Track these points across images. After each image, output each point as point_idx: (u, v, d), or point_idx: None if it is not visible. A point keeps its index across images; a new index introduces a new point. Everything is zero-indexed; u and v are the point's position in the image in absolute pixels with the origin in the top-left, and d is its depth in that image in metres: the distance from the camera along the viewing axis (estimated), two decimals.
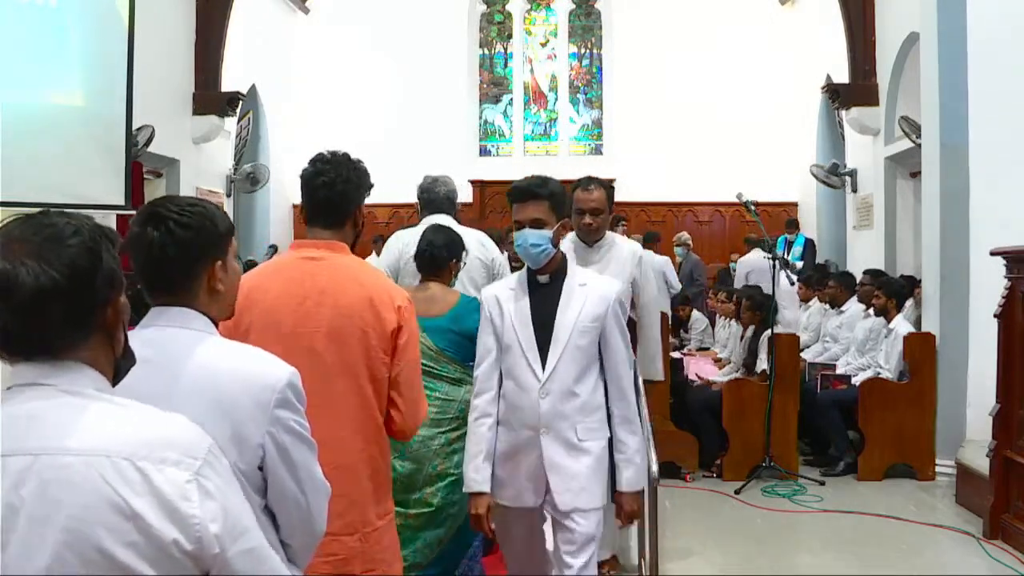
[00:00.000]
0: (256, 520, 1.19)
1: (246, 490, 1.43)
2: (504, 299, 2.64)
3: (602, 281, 2.70)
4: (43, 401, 1.09)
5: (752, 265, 8.80)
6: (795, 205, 11.38)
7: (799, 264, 9.78)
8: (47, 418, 1.07)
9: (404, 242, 3.74)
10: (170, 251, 1.49)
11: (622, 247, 3.66)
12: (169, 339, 1.48)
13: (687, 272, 9.12)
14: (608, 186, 3.63)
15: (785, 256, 9.59)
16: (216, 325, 1.56)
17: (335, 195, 2.13)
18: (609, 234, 3.65)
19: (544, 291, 2.62)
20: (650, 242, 8.93)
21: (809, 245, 10.20)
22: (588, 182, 3.53)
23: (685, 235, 9.47)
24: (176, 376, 1.44)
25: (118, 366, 1.20)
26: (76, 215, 1.15)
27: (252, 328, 1.99)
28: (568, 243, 3.45)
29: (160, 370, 1.43)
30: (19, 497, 1.03)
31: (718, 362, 6.58)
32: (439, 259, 3.17)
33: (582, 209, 3.50)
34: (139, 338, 1.46)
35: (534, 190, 2.63)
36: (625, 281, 3.49)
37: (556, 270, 2.64)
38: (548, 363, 2.54)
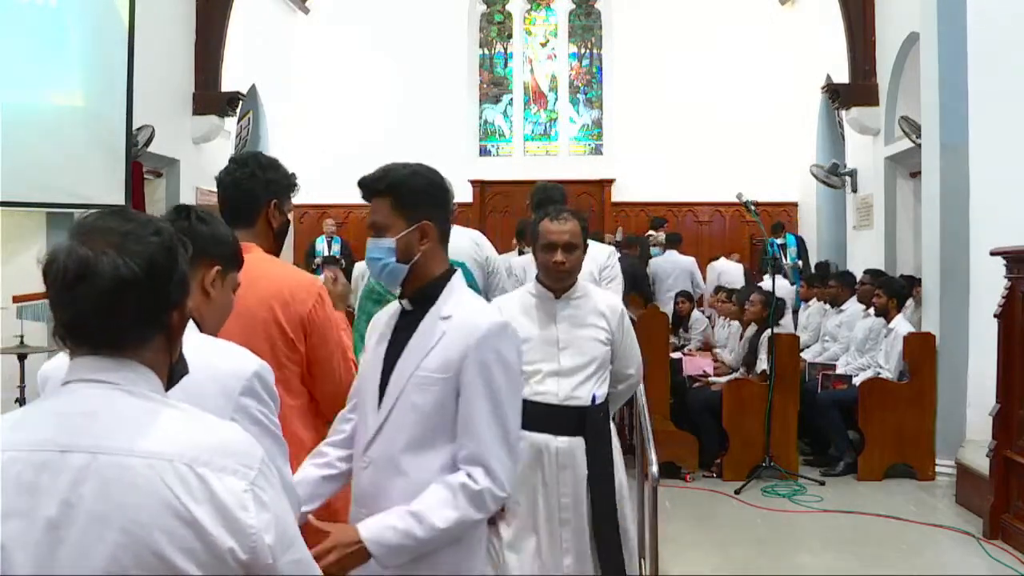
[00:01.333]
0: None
1: None
2: (376, 328, 1.96)
3: (475, 312, 1.83)
4: (103, 399, 1.08)
5: (722, 268, 8.88)
6: (795, 205, 11.38)
7: (799, 263, 9.83)
8: (107, 416, 1.07)
9: None
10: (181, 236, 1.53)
11: (597, 300, 2.73)
12: None
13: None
14: (583, 218, 2.75)
15: (782, 259, 9.72)
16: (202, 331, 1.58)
17: (240, 193, 2.17)
18: (582, 283, 2.75)
19: (405, 322, 1.88)
20: (673, 243, 9.02)
21: (801, 244, 10.22)
22: (560, 211, 2.70)
23: (661, 235, 9.44)
24: None
25: (173, 371, 1.20)
26: (157, 217, 1.18)
27: None
28: (526, 293, 2.77)
29: None
30: (78, 495, 1.02)
31: (717, 361, 6.57)
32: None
33: (552, 243, 2.63)
34: None
35: (369, 184, 1.98)
36: (600, 345, 2.67)
37: (422, 293, 1.87)
38: (372, 423, 1.83)
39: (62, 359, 1.23)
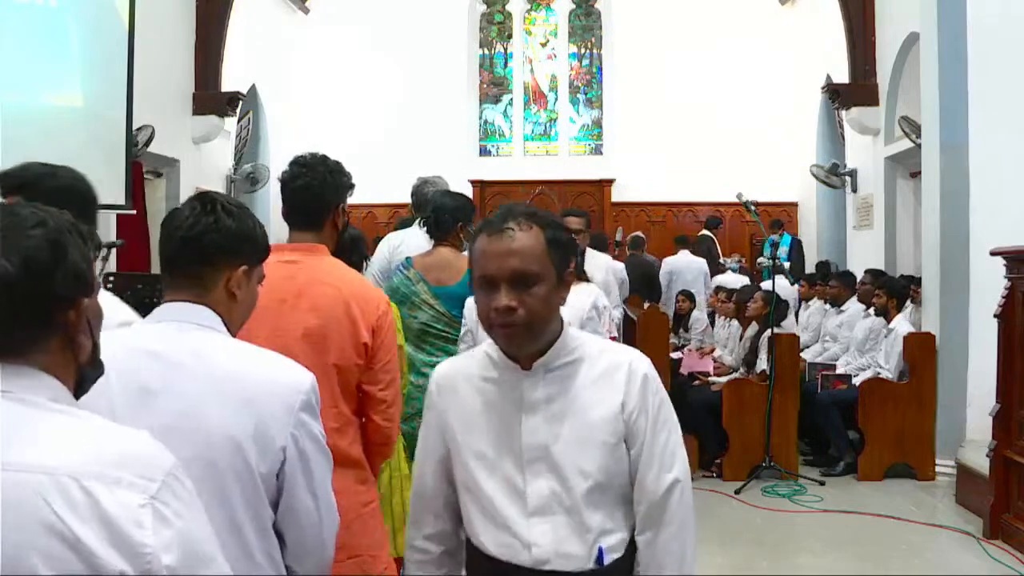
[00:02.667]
0: (257, 539, 1.12)
1: (263, 500, 1.39)
2: None
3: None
4: None
5: (673, 265, 8.81)
6: (795, 205, 11.38)
7: (786, 264, 9.87)
8: None
9: (393, 244, 3.80)
10: (207, 234, 1.48)
11: (603, 363, 1.58)
12: (187, 334, 1.44)
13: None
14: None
15: (774, 258, 9.73)
16: (230, 333, 1.53)
17: (312, 197, 2.15)
18: (574, 335, 1.63)
19: None
20: (683, 243, 9.12)
21: (796, 244, 10.24)
22: (510, 215, 1.56)
23: (639, 235, 9.44)
24: (197, 371, 1.40)
25: (83, 375, 1.09)
26: (48, 208, 1.06)
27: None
28: (484, 357, 1.66)
29: (179, 362, 1.40)
30: None
31: (716, 362, 6.57)
32: (443, 223, 3.21)
33: (489, 278, 1.53)
34: (153, 334, 1.44)
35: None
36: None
37: None
38: None
39: None
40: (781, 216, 10.85)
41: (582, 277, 3.53)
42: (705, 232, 10.23)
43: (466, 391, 1.58)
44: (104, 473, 0.95)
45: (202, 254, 1.48)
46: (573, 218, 4.40)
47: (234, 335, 1.55)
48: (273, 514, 1.43)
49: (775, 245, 10.14)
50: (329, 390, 1.99)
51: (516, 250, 1.48)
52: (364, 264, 3.26)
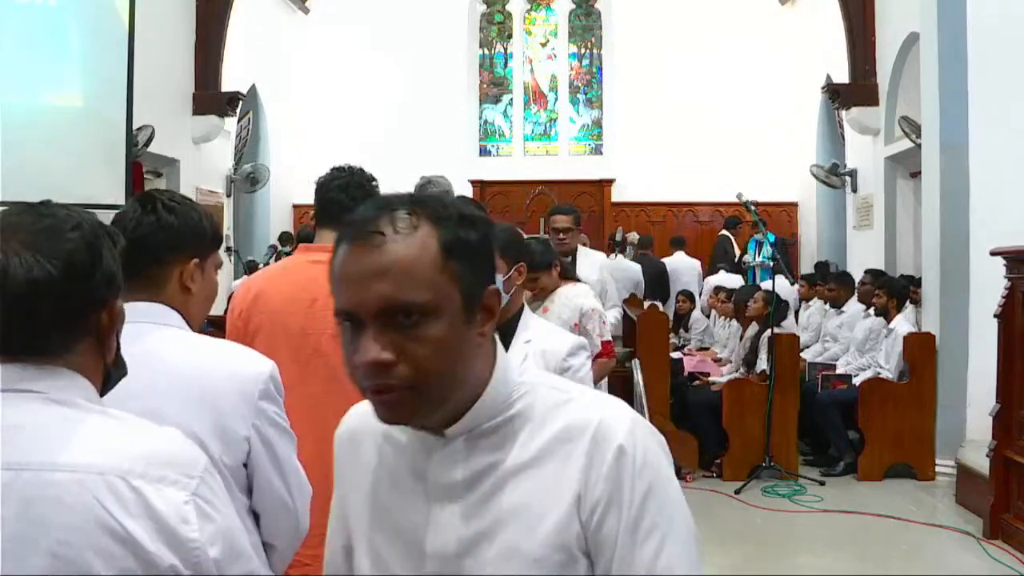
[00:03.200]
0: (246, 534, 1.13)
1: (231, 489, 1.42)
2: None
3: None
4: (27, 410, 0.99)
5: (670, 266, 8.87)
6: (795, 205, 11.38)
7: (769, 263, 9.94)
8: (32, 429, 0.98)
9: None
10: (151, 234, 1.49)
11: (552, 426, 1.01)
12: (144, 334, 1.43)
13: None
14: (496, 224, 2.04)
15: (756, 257, 9.84)
16: (191, 328, 1.55)
17: (348, 198, 2.20)
18: (515, 384, 1.06)
19: None
20: (680, 244, 9.17)
21: (780, 243, 10.28)
22: (374, 218, 0.96)
23: (633, 235, 9.47)
24: (156, 370, 1.40)
25: (108, 375, 1.11)
26: (79, 210, 1.08)
27: (261, 330, 2.06)
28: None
29: (137, 365, 1.38)
30: None
31: (718, 361, 6.58)
32: None
33: (347, 313, 1.03)
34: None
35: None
36: None
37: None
38: None
39: None
40: (781, 216, 10.87)
41: (570, 277, 3.53)
42: (724, 232, 10.24)
43: (369, 456, 1.08)
44: (148, 472, 0.98)
45: (149, 254, 1.49)
46: (561, 216, 4.15)
47: (196, 328, 1.57)
48: (247, 499, 1.47)
49: (759, 244, 10.23)
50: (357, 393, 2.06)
51: (386, 267, 0.92)
52: None
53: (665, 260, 9.09)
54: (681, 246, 9.31)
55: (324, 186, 2.26)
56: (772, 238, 10.30)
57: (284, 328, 2.03)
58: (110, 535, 0.94)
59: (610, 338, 3.44)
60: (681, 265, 8.92)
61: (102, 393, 1.10)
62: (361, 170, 2.33)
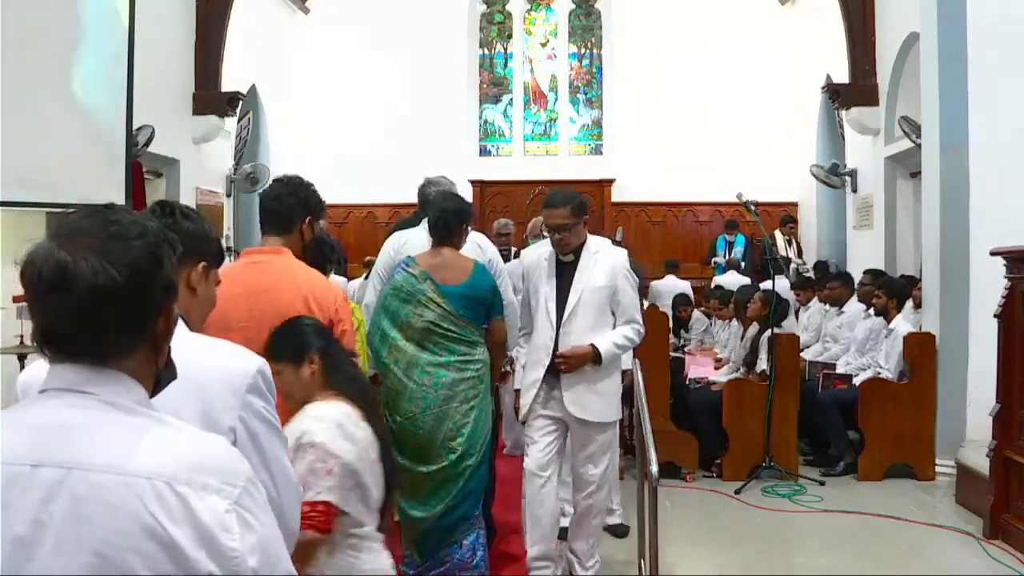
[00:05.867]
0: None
1: None
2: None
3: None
4: (81, 411, 1.02)
5: (655, 288, 8.76)
6: (795, 205, 11.39)
7: (742, 264, 10.05)
8: (85, 430, 1.00)
9: (397, 244, 3.90)
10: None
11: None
12: None
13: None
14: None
15: (726, 257, 9.92)
16: (190, 328, 1.58)
17: (282, 207, 2.51)
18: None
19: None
20: (673, 268, 9.19)
21: (749, 244, 10.36)
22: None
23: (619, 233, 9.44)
24: None
25: (159, 378, 1.14)
26: (143, 216, 1.11)
27: (211, 324, 2.22)
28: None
29: None
30: (48, 513, 0.96)
31: (718, 362, 6.57)
32: (450, 225, 3.42)
33: None
34: None
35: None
36: None
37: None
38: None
39: (42, 367, 1.16)
40: (780, 216, 10.86)
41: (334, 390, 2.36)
42: (723, 235, 10.34)
43: None
44: (193, 479, 1.00)
45: None
46: (554, 210, 3.41)
47: (196, 330, 1.61)
48: None
49: (730, 245, 10.30)
50: None
51: None
52: (328, 267, 3.37)
53: (654, 283, 8.73)
54: (674, 269, 9.22)
55: (262, 198, 2.55)
56: (742, 240, 10.44)
57: (226, 320, 2.20)
58: (153, 539, 0.96)
59: (329, 500, 2.06)
60: (665, 289, 8.68)
61: (152, 395, 1.12)
62: (298, 181, 2.59)
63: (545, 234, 4.61)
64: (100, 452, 0.99)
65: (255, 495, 1.05)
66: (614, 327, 3.48)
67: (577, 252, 3.47)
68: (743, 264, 10.20)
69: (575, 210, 3.42)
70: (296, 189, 2.56)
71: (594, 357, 3.39)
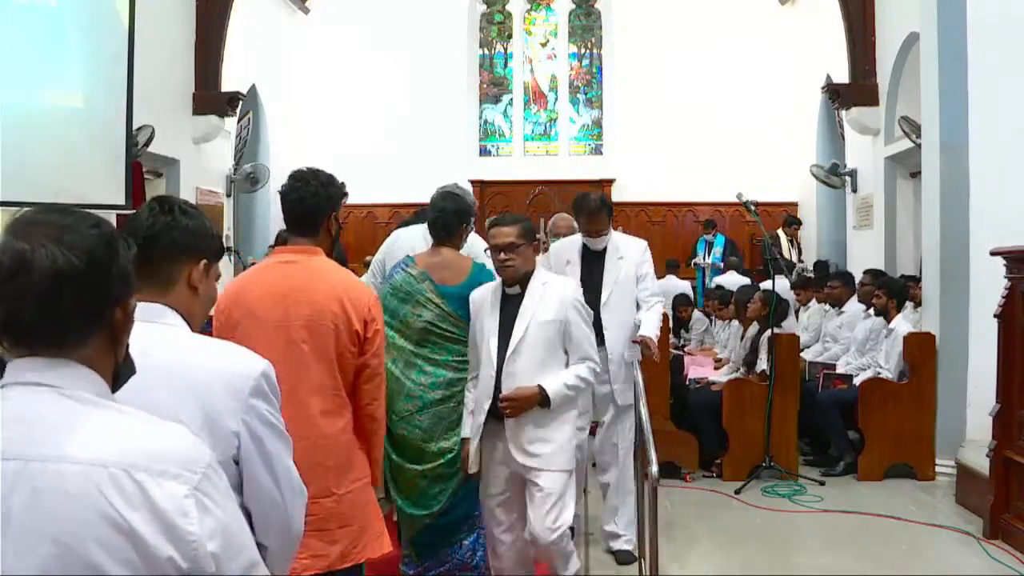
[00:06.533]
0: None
1: None
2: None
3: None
4: (39, 403, 1.04)
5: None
6: (795, 205, 11.38)
7: (719, 264, 10.10)
8: (43, 421, 1.02)
9: (389, 242, 3.91)
10: (166, 232, 1.56)
11: None
12: (139, 331, 1.43)
13: None
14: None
15: (706, 258, 9.94)
16: (192, 327, 1.59)
17: (306, 209, 2.45)
18: None
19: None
20: (673, 267, 9.18)
21: (729, 244, 10.39)
22: None
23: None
24: (145, 365, 1.40)
25: (119, 372, 1.16)
26: (94, 213, 1.13)
27: (240, 323, 2.31)
28: None
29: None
30: (8, 505, 0.97)
31: (718, 362, 6.57)
32: (450, 225, 3.37)
33: None
34: None
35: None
36: None
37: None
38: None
39: None
40: (781, 216, 10.86)
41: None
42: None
43: None
44: (151, 466, 1.01)
45: (162, 251, 1.56)
46: (502, 228, 3.08)
47: (196, 328, 1.61)
48: (238, 496, 1.47)
49: (709, 245, 10.33)
50: (331, 375, 2.32)
51: None
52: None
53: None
54: (674, 270, 9.25)
55: (284, 196, 2.49)
56: (721, 239, 10.48)
57: (259, 321, 2.27)
58: (112, 526, 0.98)
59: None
60: (665, 289, 8.70)
61: (113, 390, 1.14)
62: (316, 172, 2.52)
63: (562, 232, 4.69)
64: (59, 443, 1.00)
65: (216, 482, 1.06)
66: (567, 365, 3.09)
67: (524, 283, 3.08)
68: (720, 264, 10.25)
69: (524, 232, 3.06)
70: (318, 189, 2.49)
71: (541, 400, 2.99)
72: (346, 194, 2.60)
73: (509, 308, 3.06)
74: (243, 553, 1.08)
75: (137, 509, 0.99)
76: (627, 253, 4.11)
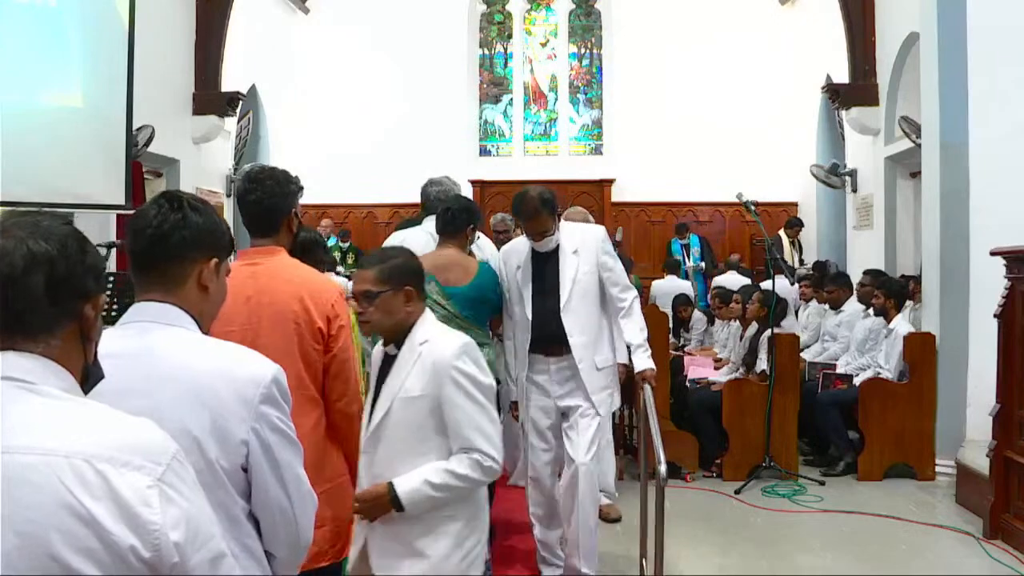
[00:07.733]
0: (225, 529, 1.16)
1: (228, 492, 1.42)
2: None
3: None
4: (8, 396, 1.04)
5: (657, 289, 8.85)
6: (795, 205, 11.39)
7: (701, 265, 10.10)
8: (12, 415, 1.03)
9: (399, 240, 3.85)
10: (176, 230, 1.50)
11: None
12: (148, 332, 1.46)
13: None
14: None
15: (685, 260, 9.97)
16: (202, 328, 1.55)
17: (265, 209, 2.42)
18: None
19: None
20: (672, 268, 9.20)
21: (705, 244, 10.42)
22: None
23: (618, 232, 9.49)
24: (154, 368, 1.41)
25: (89, 373, 1.16)
26: (66, 215, 1.20)
27: (211, 331, 2.23)
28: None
29: (136, 362, 1.41)
30: None
31: (718, 362, 6.58)
32: (458, 221, 3.35)
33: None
34: (113, 336, 1.44)
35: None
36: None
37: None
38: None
39: None
40: (781, 216, 10.87)
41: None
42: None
43: None
44: (115, 457, 1.02)
45: (172, 250, 1.51)
46: (361, 273, 2.55)
47: (206, 329, 1.57)
48: (246, 504, 1.46)
49: (686, 247, 10.37)
50: (296, 375, 2.25)
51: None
52: (321, 268, 3.36)
53: (655, 283, 8.92)
54: (674, 271, 9.24)
55: (241, 198, 2.45)
56: (696, 240, 10.51)
57: (228, 322, 2.22)
58: (73, 515, 0.98)
59: None
60: (665, 289, 8.67)
61: (85, 392, 1.15)
62: (272, 171, 2.47)
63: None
64: (25, 435, 1.01)
65: (183, 474, 1.07)
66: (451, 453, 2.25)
67: (400, 342, 2.31)
68: (702, 264, 10.34)
69: (387, 276, 2.29)
70: (275, 188, 2.42)
71: (391, 500, 2.20)
72: (301, 188, 2.56)
73: (383, 374, 2.34)
74: (208, 544, 1.08)
75: (99, 499, 0.99)
76: (581, 245, 3.60)
